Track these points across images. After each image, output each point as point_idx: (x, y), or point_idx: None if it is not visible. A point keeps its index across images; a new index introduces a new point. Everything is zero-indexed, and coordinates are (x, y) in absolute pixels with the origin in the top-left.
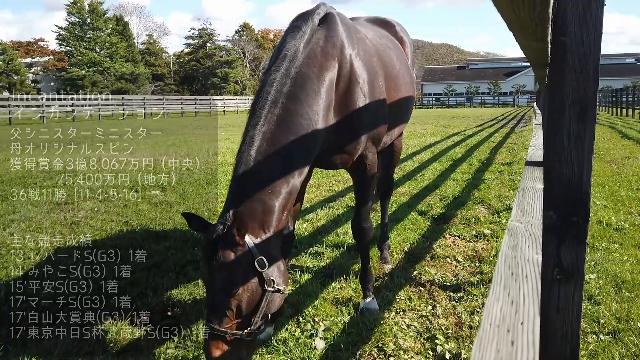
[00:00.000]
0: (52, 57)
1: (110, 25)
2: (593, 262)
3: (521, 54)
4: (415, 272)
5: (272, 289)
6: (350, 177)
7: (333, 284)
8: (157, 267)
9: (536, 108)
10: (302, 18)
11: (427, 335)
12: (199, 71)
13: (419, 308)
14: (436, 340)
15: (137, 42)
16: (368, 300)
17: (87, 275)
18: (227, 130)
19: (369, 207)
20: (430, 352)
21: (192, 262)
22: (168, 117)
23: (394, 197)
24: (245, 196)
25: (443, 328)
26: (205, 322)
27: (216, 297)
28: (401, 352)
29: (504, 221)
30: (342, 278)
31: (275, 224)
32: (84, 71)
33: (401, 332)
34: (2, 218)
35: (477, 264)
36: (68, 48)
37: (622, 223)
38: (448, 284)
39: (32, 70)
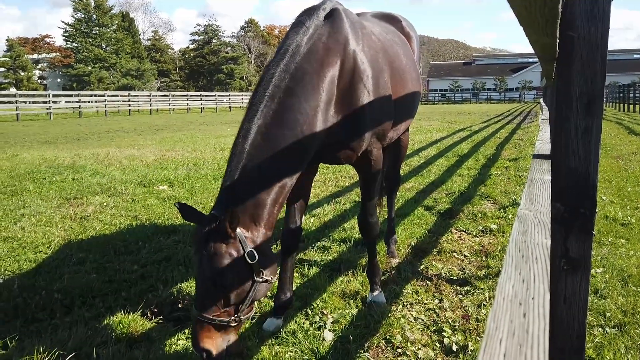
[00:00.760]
0: (58, 53)
1: (116, 22)
2: (599, 257)
3: (527, 50)
4: (422, 266)
5: (261, 280)
6: (356, 172)
7: (341, 278)
8: (166, 261)
9: (543, 104)
10: (307, 13)
11: (435, 327)
12: (204, 67)
13: (426, 301)
14: (443, 333)
15: (143, 39)
16: (375, 293)
17: (99, 268)
18: (233, 127)
19: (374, 202)
20: (437, 344)
21: None
22: (174, 113)
23: (401, 192)
24: (237, 190)
25: (450, 321)
26: (193, 309)
27: (206, 286)
28: (409, 344)
29: (510, 216)
30: (349, 272)
31: (266, 218)
32: (90, 67)
33: (408, 324)
34: (13, 212)
35: (483, 259)
36: (74, 44)
37: (629, 218)
38: (455, 277)
39: (39, 66)
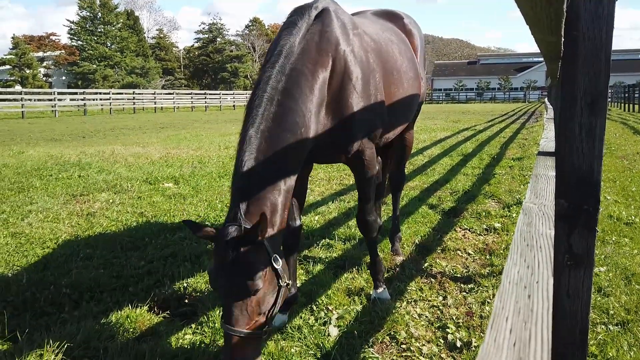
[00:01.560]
0: (63, 51)
1: (121, 20)
2: (603, 256)
3: (532, 50)
4: (426, 264)
5: (284, 284)
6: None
7: (345, 275)
8: (173, 257)
9: (547, 103)
10: (299, 13)
11: (439, 324)
12: (208, 66)
13: (430, 298)
14: (447, 329)
15: (148, 37)
16: (380, 290)
17: (106, 264)
18: (238, 125)
19: (372, 202)
20: (441, 340)
21: (207, 253)
22: (178, 111)
23: (405, 191)
24: (252, 195)
25: (454, 317)
26: (224, 324)
27: (237, 298)
28: (413, 340)
29: (514, 215)
30: (354, 269)
31: (279, 221)
32: (95, 65)
33: (413, 321)
34: (20, 208)
35: (487, 257)
36: (79, 42)
37: (633, 218)
38: (459, 275)
39: (44, 64)
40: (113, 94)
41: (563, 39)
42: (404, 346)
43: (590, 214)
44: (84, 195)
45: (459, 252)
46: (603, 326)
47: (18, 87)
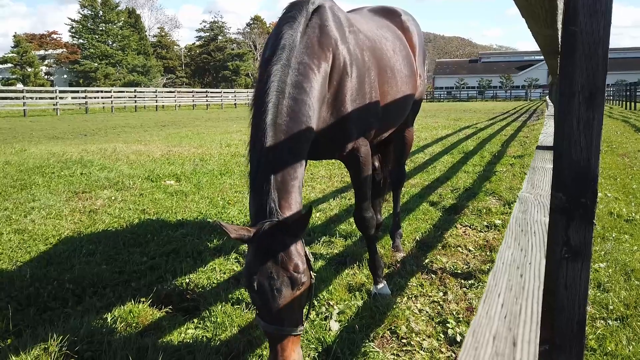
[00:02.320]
0: (65, 49)
1: (122, 18)
2: (603, 252)
3: (533, 48)
4: (426, 260)
5: (314, 279)
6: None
7: (346, 271)
8: (175, 253)
9: (548, 101)
10: (297, 7)
11: (439, 319)
12: (210, 64)
13: (430, 294)
14: (447, 324)
15: (149, 35)
16: (380, 286)
17: (108, 260)
18: (239, 123)
19: (369, 199)
20: (441, 334)
21: (209, 249)
22: (180, 109)
23: (406, 188)
24: (279, 189)
25: (454, 313)
26: (265, 324)
27: (285, 297)
28: (413, 335)
29: None
30: (355, 265)
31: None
32: (96, 64)
33: (413, 316)
34: (23, 205)
35: (488, 253)
36: (81, 41)
37: (633, 215)
38: (459, 271)
39: (46, 62)
40: (114, 92)
41: (561, 34)
42: (404, 340)
43: (587, 207)
44: (86, 193)
45: (459, 248)
46: (602, 321)
47: (20, 86)
